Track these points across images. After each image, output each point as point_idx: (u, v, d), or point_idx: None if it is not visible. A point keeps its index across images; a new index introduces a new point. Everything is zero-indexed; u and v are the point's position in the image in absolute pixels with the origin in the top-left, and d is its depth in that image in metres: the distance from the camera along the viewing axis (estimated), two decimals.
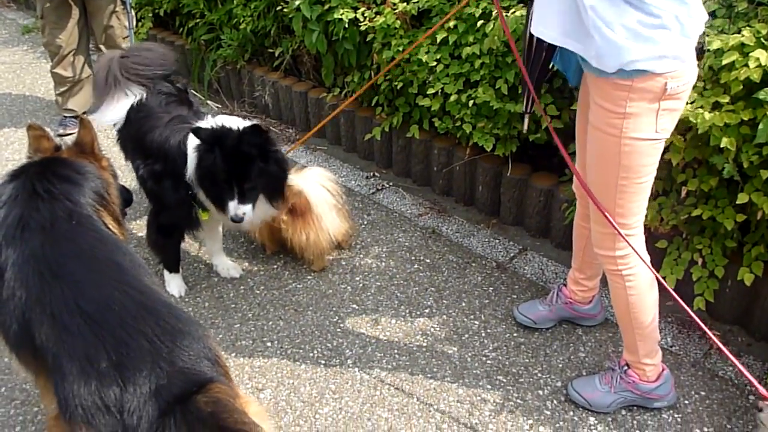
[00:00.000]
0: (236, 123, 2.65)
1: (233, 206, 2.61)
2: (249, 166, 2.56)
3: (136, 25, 4.74)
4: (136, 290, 1.76)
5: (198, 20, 4.84)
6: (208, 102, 4.95)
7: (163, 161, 2.79)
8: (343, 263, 3.29)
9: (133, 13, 4.56)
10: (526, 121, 2.67)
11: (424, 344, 2.79)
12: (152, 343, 1.59)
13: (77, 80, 4.62)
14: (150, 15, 5.33)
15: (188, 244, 3.44)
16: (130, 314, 1.65)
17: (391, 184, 3.88)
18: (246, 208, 2.63)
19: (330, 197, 3.18)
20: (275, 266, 3.30)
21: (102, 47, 4.50)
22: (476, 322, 2.89)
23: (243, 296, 3.12)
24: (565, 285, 2.77)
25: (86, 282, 1.74)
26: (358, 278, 3.18)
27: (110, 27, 4.42)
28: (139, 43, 3.24)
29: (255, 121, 2.66)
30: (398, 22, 3.36)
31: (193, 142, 2.64)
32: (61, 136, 4.54)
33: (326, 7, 3.74)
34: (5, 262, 1.81)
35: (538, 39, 2.08)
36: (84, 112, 4.80)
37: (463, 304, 2.99)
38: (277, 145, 2.66)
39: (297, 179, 3.10)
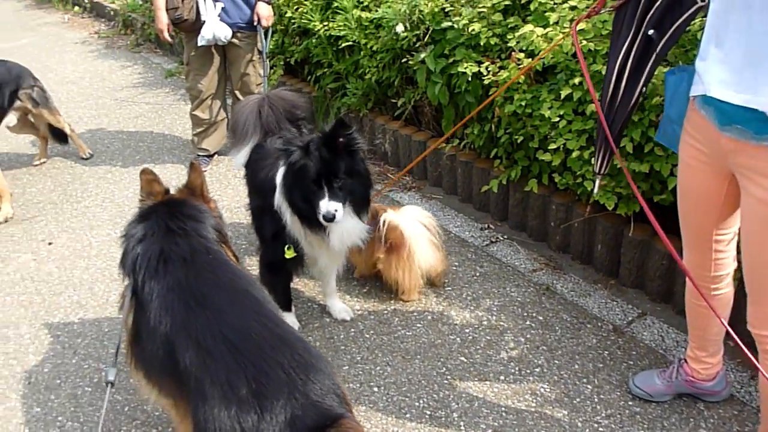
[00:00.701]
0: None
1: (324, 204, 2.60)
2: (337, 160, 2.58)
3: (269, 73, 5.03)
4: (272, 322, 1.84)
5: (325, 69, 5.08)
6: None
7: (261, 196, 2.98)
8: (453, 314, 3.27)
9: (268, 61, 4.85)
10: (597, 183, 2.60)
11: (533, 404, 2.71)
12: (288, 375, 1.65)
13: (212, 122, 4.95)
14: (281, 63, 5.66)
15: (304, 284, 3.56)
16: (268, 345, 1.73)
17: (505, 237, 3.85)
18: (337, 206, 2.61)
19: (426, 232, 3.28)
20: (385, 312, 3.34)
21: (237, 93, 4.82)
22: (589, 387, 2.78)
23: (353, 339, 3.17)
24: (686, 361, 2.61)
25: (228, 311, 1.85)
26: (467, 330, 3.16)
27: (246, 74, 4.73)
28: (278, 89, 3.44)
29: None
30: (522, 77, 3.37)
31: (281, 171, 2.78)
32: None
33: (450, 60, 3.82)
34: (150, 294, 1.97)
35: (625, 95, 2.09)
36: (216, 153, 5.13)
37: (576, 366, 2.89)
38: (361, 142, 2.69)
39: (394, 215, 3.26)
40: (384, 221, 3.25)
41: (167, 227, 2.11)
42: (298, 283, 3.56)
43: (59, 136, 5.40)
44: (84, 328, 3.49)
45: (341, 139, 2.58)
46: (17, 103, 5.00)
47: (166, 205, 2.25)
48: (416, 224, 3.27)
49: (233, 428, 1.58)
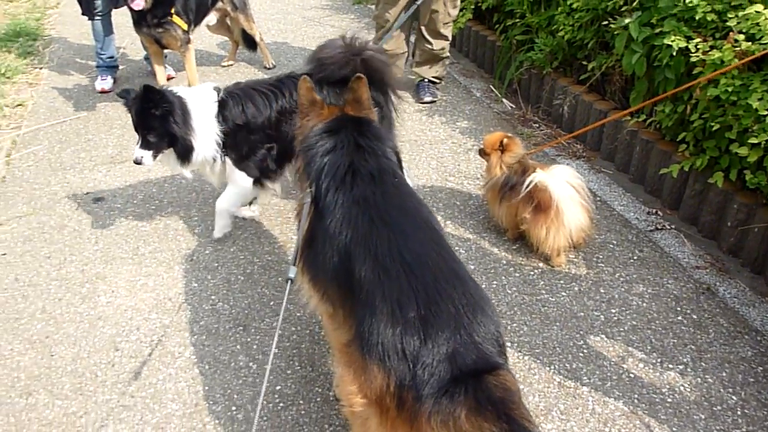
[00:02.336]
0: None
1: (135, 150, 3.21)
2: (148, 118, 3.11)
3: (457, 15, 4.97)
4: (449, 256, 1.84)
5: (516, 20, 4.95)
6: (503, 100, 5.05)
7: None
8: (602, 291, 3.17)
9: (459, 2, 4.79)
10: None
11: (669, 399, 2.60)
12: (457, 310, 1.65)
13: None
14: (471, 7, 5.57)
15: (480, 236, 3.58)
16: (443, 276, 1.73)
17: (672, 226, 3.63)
18: (143, 152, 3.18)
19: (575, 194, 3.18)
20: (532, 273, 3.29)
21: (423, 29, 4.81)
22: (734, 398, 2.62)
23: (494, 291, 3.17)
24: None
25: (409, 235, 1.86)
26: (614, 310, 3.05)
27: (436, 12, 4.70)
28: (379, 53, 3.46)
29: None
30: (735, 60, 3.10)
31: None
32: None
33: (656, 30, 3.58)
34: (333, 203, 2.01)
35: None
36: None
37: (724, 374, 2.72)
38: (168, 107, 3.10)
39: (543, 175, 3.19)
40: (532, 180, 3.18)
41: (356, 143, 2.14)
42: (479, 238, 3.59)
43: (249, 42, 5.70)
44: (245, 221, 3.74)
45: (149, 103, 3.05)
46: (219, 4, 5.31)
47: (353, 122, 2.28)
48: (565, 185, 3.17)
49: (395, 346, 1.61)
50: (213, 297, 3.19)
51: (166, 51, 5.09)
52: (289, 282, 1.97)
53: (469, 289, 1.73)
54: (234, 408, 2.61)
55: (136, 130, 3.16)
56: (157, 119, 3.09)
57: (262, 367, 2.78)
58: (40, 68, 5.96)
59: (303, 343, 2.89)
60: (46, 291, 3.29)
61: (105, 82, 5.42)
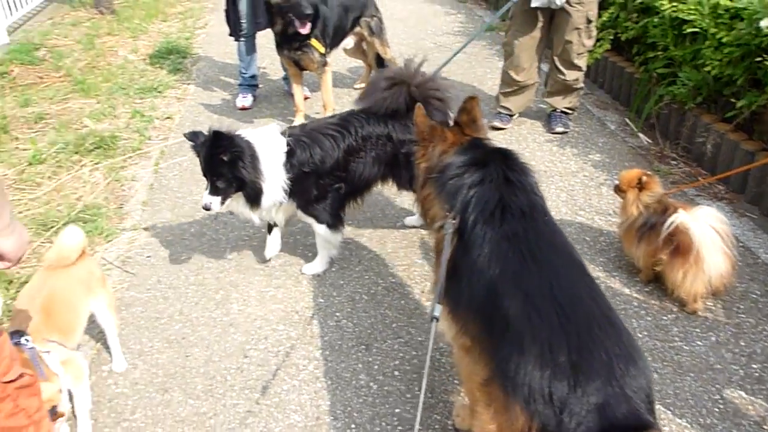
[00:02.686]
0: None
1: (204, 196, 3.20)
2: (216, 164, 3.08)
3: (594, 45, 4.86)
4: (602, 301, 1.77)
5: (659, 53, 4.77)
6: (639, 134, 4.88)
7: None
8: (742, 344, 2.97)
9: (595, 32, 4.68)
10: None
11: None
12: (609, 360, 1.58)
13: (523, 85, 4.94)
14: (610, 38, 5.43)
15: None
16: (596, 321, 1.67)
17: None
18: (212, 199, 3.16)
19: (718, 239, 2.97)
20: (665, 317, 3.14)
21: (556, 59, 4.74)
22: None
23: None
24: None
25: (562, 275, 1.80)
26: (755, 366, 2.85)
27: (569, 42, 4.62)
28: (438, 82, 3.43)
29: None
30: None
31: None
32: (493, 128, 4.94)
33: None
34: (481, 237, 1.96)
35: None
36: (518, 113, 5.13)
37: None
38: (238, 152, 3.07)
39: (685, 216, 3.02)
40: (673, 221, 3.02)
41: (506, 177, 2.09)
42: None
43: (383, 66, 5.83)
44: (371, 242, 3.81)
45: (217, 150, 3.03)
46: (357, 29, 5.48)
47: (500, 154, 2.26)
48: (708, 229, 2.98)
49: (542, 390, 1.56)
50: (338, 314, 3.27)
51: (304, 72, 5.31)
52: (435, 321, 1.91)
53: (623, 337, 1.66)
54: (353, 426, 2.65)
55: (205, 175, 3.14)
56: (226, 165, 3.04)
57: (382, 388, 2.81)
58: (188, 84, 6.39)
59: (423, 370, 2.89)
60: (184, 294, 3.50)
61: (245, 100, 5.73)
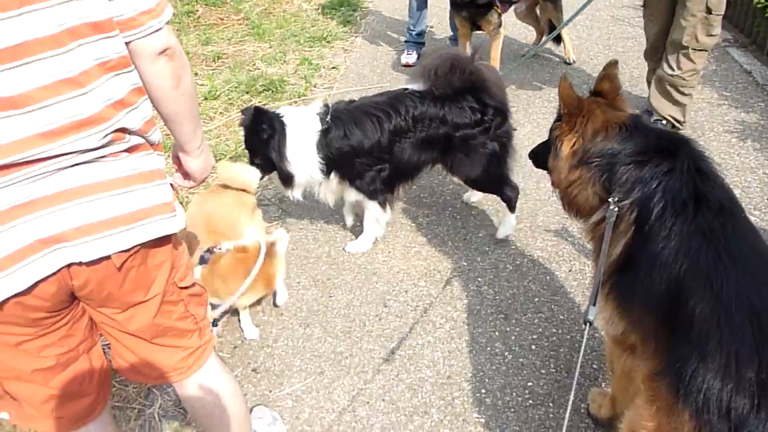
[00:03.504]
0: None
1: None
2: (255, 141, 3.11)
3: (713, 45, 4.22)
4: None
5: None
6: None
7: None
8: None
9: (718, 28, 4.05)
10: None
11: None
12: None
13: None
14: None
15: None
16: None
17: None
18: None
19: None
20: None
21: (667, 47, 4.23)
22: None
23: None
24: None
25: (763, 281, 1.62)
26: None
27: (681, 32, 4.00)
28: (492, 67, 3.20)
29: None
30: None
31: None
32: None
33: None
34: (669, 229, 1.76)
35: None
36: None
37: None
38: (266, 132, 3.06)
39: None
40: None
41: (698, 168, 1.87)
42: None
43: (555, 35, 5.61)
44: (522, 212, 3.72)
45: (255, 127, 3.04)
46: None
47: (685, 141, 1.99)
48: None
49: (720, 404, 1.44)
50: (479, 279, 3.25)
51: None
52: (588, 325, 1.77)
53: None
54: (483, 391, 2.65)
55: (246, 149, 3.18)
56: (261, 143, 3.04)
57: (516, 359, 2.78)
58: (355, 36, 6.51)
59: (562, 347, 2.82)
60: (333, 239, 3.62)
61: (410, 57, 5.75)
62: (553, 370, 2.72)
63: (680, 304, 1.63)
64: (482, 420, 2.53)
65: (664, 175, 1.86)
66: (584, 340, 1.76)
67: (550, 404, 2.57)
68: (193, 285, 1.77)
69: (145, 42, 1.45)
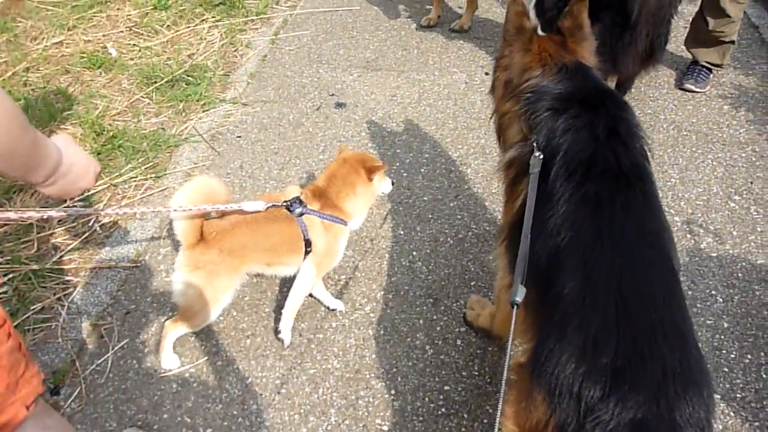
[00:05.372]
0: None
1: None
2: None
3: None
4: (679, 310, 1.47)
5: None
6: None
7: None
8: None
9: None
10: None
11: None
12: (664, 377, 1.33)
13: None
14: None
15: None
16: (662, 331, 1.39)
17: None
18: None
19: None
20: None
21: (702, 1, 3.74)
22: None
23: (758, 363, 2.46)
24: None
25: (638, 265, 1.50)
26: None
27: None
28: None
29: None
30: None
31: None
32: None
33: None
34: (559, 194, 1.63)
35: None
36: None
37: None
38: None
39: None
40: None
41: (613, 129, 1.71)
42: None
43: None
44: (476, 177, 3.31)
45: None
46: None
47: (614, 99, 1.85)
48: None
49: (570, 390, 1.35)
50: (414, 253, 2.88)
51: None
52: (515, 307, 1.56)
53: (690, 357, 1.37)
54: (393, 392, 2.33)
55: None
56: None
57: (438, 356, 2.45)
58: None
59: (491, 345, 2.49)
60: (262, 188, 3.23)
61: None
62: (476, 374, 2.39)
63: (554, 281, 1.53)
64: (384, 428, 2.22)
65: (574, 131, 1.73)
66: (511, 328, 1.51)
67: (464, 415, 2.26)
68: None
69: None
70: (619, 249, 1.51)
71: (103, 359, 2.44)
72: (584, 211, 1.59)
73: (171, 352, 2.41)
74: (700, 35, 3.86)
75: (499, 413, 1.38)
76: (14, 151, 1.25)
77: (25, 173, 1.34)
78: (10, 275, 2.68)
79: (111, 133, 3.46)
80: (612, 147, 1.68)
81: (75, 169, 1.45)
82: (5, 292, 2.64)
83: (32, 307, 2.60)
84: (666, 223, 1.66)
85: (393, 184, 2.64)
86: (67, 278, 2.74)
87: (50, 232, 2.90)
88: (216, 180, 2.28)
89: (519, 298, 1.54)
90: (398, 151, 3.47)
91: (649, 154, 1.78)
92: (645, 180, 1.67)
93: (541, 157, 1.75)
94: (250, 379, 2.38)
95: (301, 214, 2.27)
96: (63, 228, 2.95)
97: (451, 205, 3.14)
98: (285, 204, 2.27)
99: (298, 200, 2.29)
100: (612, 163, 1.65)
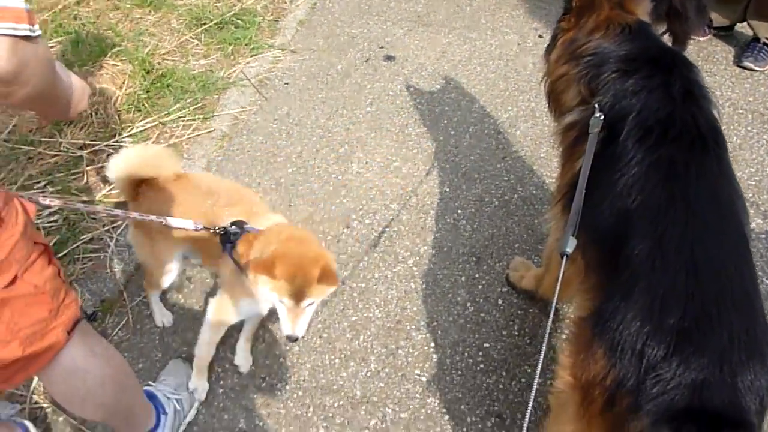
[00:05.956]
0: None
1: None
2: None
3: None
4: (749, 278, 1.45)
5: None
6: None
7: None
8: None
9: None
10: None
11: None
12: (730, 343, 1.32)
13: None
14: None
15: None
16: (731, 297, 1.38)
17: None
18: None
19: None
20: None
21: None
22: None
23: None
24: None
25: (711, 230, 1.48)
26: None
27: None
28: None
29: None
30: None
31: None
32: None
33: None
34: (632, 155, 1.61)
35: None
36: None
37: None
38: None
39: None
40: None
41: (688, 91, 1.69)
42: None
43: None
44: (524, 140, 3.28)
45: None
46: None
47: (685, 60, 1.82)
48: None
49: (633, 347, 1.35)
50: (459, 211, 2.87)
51: None
52: (565, 258, 1.56)
53: (757, 326, 1.36)
54: (433, 345, 2.35)
55: None
56: None
57: (478, 313, 2.46)
58: None
59: (533, 307, 2.49)
60: (308, 137, 3.22)
61: None
62: (516, 333, 2.40)
63: (623, 242, 1.51)
64: (423, 379, 2.25)
65: (648, 92, 1.69)
66: (558, 280, 1.50)
67: (503, 373, 2.27)
68: None
69: None
70: (693, 214, 1.49)
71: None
72: (658, 174, 1.57)
73: (159, 311, 2.37)
74: (765, 8, 3.71)
75: (538, 371, 1.40)
76: (59, 96, 1.26)
77: (61, 114, 1.35)
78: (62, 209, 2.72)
79: (160, 72, 3.46)
80: (689, 109, 1.66)
81: (76, 94, 1.41)
82: (56, 221, 2.68)
83: (81, 237, 2.64)
84: (740, 190, 1.64)
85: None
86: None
87: (100, 165, 2.93)
88: (167, 152, 2.14)
89: (569, 249, 1.55)
90: (446, 108, 3.44)
91: (719, 118, 1.75)
92: (720, 144, 1.65)
93: (602, 117, 1.73)
94: None
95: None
96: None
97: (498, 166, 3.11)
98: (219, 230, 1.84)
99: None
100: (690, 125, 1.62)
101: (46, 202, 1.62)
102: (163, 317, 2.39)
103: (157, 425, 1.93)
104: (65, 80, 1.29)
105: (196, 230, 1.76)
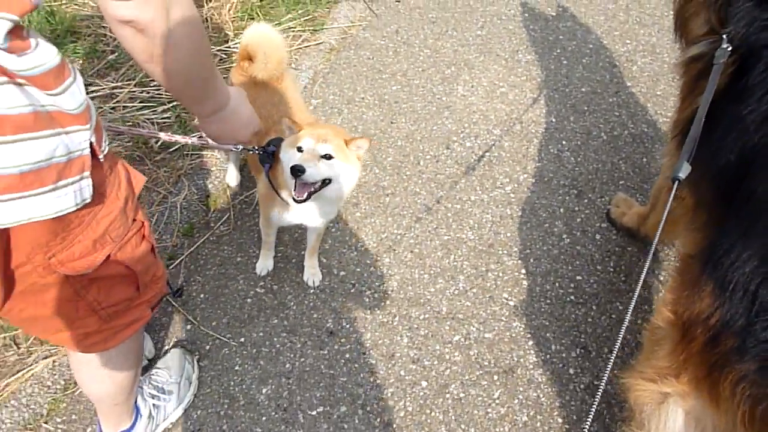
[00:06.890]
0: None
1: None
2: None
3: None
4: None
5: None
6: None
7: None
8: None
9: None
10: None
11: None
12: None
13: None
14: None
15: None
16: None
17: None
18: None
19: None
20: None
21: None
22: None
23: None
24: None
25: None
26: None
27: None
28: None
29: None
30: None
31: None
32: None
33: None
34: (763, 91, 1.48)
35: None
36: None
37: None
38: None
39: None
40: None
41: None
42: None
43: None
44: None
45: None
46: None
47: None
48: None
49: (746, 287, 1.27)
50: (564, 142, 2.78)
51: None
52: (677, 183, 1.48)
53: None
54: (524, 272, 2.33)
55: None
56: None
57: (574, 246, 2.41)
58: None
59: (631, 246, 2.41)
60: (415, 56, 3.18)
61: None
62: (611, 270, 2.34)
63: (744, 179, 1.43)
64: (511, 303, 2.24)
65: None
66: (669, 202, 1.43)
67: (593, 306, 2.23)
68: None
69: (106, 3, 1.03)
70: None
71: (251, 192, 2.56)
72: None
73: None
74: None
75: (631, 307, 1.34)
76: (196, 75, 1.26)
77: (195, 102, 1.36)
78: (174, 102, 2.82)
79: None
80: None
81: (236, 118, 1.46)
82: (168, 118, 2.79)
83: (192, 135, 2.74)
84: None
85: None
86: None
87: None
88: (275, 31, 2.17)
89: (683, 174, 1.47)
90: (561, 37, 3.29)
91: None
92: None
93: (729, 49, 1.60)
94: (385, 234, 2.43)
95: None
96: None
97: (610, 100, 2.97)
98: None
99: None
100: None
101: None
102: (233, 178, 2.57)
103: (132, 426, 1.86)
104: (219, 80, 1.32)
105: (236, 150, 1.78)
